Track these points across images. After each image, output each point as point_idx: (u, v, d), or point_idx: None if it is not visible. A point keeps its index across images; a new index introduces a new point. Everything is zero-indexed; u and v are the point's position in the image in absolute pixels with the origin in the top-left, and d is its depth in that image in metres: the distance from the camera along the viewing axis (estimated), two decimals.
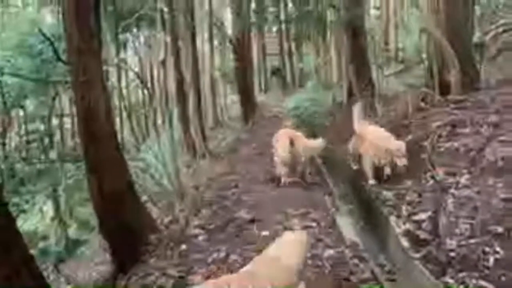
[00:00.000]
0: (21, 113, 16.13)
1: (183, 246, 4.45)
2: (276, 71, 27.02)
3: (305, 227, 4.48)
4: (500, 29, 9.44)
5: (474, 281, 2.97)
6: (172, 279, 3.82)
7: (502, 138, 4.71)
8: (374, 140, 5.73)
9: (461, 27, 7.27)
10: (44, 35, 6.80)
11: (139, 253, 4.60)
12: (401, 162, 5.18)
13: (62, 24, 4.83)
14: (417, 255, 3.55)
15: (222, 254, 4.02)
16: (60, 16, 5.99)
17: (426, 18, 7.88)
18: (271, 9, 25.43)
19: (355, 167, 6.46)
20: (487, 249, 3.19)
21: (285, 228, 4.45)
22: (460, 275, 3.08)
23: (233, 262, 3.83)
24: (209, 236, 4.63)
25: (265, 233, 4.39)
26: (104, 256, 7.14)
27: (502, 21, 9.53)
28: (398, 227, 4.20)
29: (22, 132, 15.94)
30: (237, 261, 3.84)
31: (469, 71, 7.02)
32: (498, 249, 3.16)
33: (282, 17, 25.51)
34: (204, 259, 4.00)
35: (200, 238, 4.61)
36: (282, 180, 6.45)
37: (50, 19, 15.44)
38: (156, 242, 4.78)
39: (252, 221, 4.80)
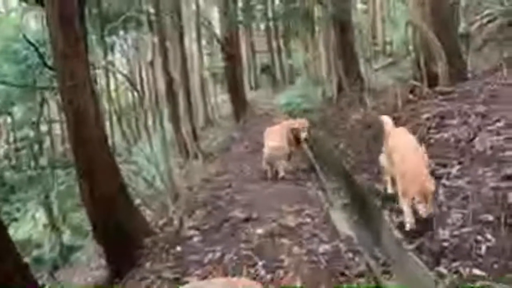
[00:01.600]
0: (9, 120, 15.93)
1: (178, 248, 4.44)
2: (266, 68, 27.03)
3: (300, 224, 4.51)
4: (485, 20, 9.54)
5: (467, 269, 3.01)
6: (168, 281, 3.81)
7: (489, 127, 4.77)
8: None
9: (447, 19, 7.33)
10: (28, 41, 6.72)
11: (134, 257, 4.59)
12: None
13: (46, 29, 4.78)
14: (411, 247, 3.58)
15: (218, 254, 4.02)
16: (44, 20, 5.92)
17: (412, 11, 7.94)
18: (258, 6, 25.39)
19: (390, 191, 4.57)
20: (479, 237, 3.23)
21: (280, 225, 4.48)
22: (454, 264, 3.12)
23: (229, 262, 3.83)
24: (204, 236, 4.62)
25: (260, 231, 4.40)
26: (100, 261, 7.11)
27: (486, 12, 9.62)
28: (391, 219, 4.24)
29: (11, 139, 15.75)
30: (233, 260, 3.84)
31: (455, 62, 7.08)
32: (489, 237, 3.20)
33: (270, 14, 25.50)
34: (200, 260, 3.99)
35: (195, 239, 4.61)
36: (268, 175, 6.63)
37: (34, 24, 15.26)
38: (151, 245, 4.77)
39: (246, 219, 4.80)
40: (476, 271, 2.98)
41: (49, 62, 5.51)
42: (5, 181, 11.07)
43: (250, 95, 20.67)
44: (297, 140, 7.11)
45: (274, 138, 6.67)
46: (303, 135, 7.05)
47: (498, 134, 4.55)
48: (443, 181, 4.25)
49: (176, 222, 5.37)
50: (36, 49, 5.77)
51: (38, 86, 11.44)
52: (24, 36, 7.77)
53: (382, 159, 4.71)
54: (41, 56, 5.67)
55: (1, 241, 3.79)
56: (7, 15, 16.20)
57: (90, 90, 4.65)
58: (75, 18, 4.48)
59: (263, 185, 6.40)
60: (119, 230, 4.66)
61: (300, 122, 7.41)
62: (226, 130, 15.00)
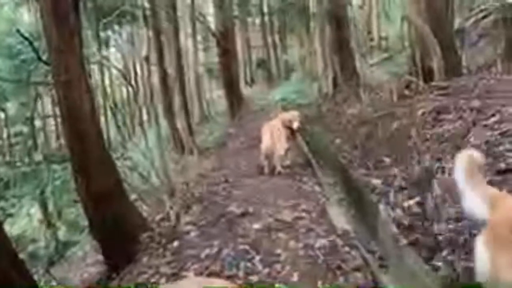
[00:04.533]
0: (2, 115, 15.81)
1: (175, 243, 4.44)
2: (261, 64, 26.97)
3: (296, 218, 4.53)
4: (480, 15, 9.57)
5: (462, 263, 3.04)
6: (165, 276, 3.82)
7: (484, 122, 4.81)
8: None
9: (442, 14, 7.35)
10: (22, 35, 6.64)
11: (131, 253, 4.58)
12: None
13: (40, 23, 4.73)
14: (407, 241, 3.61)
15: (215, 249, 4.03)
16: (38, 14, 5.85)
17: (407, 6, 7.96)
18: (253, 1, 25.27)
19: None
20: (474, 231, 3.26)
21: (277, 220, 4.49)
22: (449, 258, 3.16)
23: (226, 257, 3.84)
24: (201, 232, 4.63)
25: (257, 226, 4.41)
26: (96, 257, 7.10)
27: (481, 7, 9.66)
28: (387, 213, 4.27)
29: (5, 135, 15.63)
30: (230, 255, 3.86)
31: (451, 57, 7.12)
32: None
33: (265, 9, 25.40)
34: (197, 255, 4.00)
35: (192, 234, 4.61)
36: (265, 170, 6.66)
37: (27, 18, 15.10)
38: (147, 240, 4.77)
39: (243, 214, 4.82)
40: (471, 265, 3.01)
41: (44, 57, 5.45)
42: (0, 177, 11.00)
43: (245, 90, 20.64)
44: (291, 131, 7.17)
45: (272, 133, 6.68)
46: (295, 124, 7.07)
47: (493, 129, 4.59)
48: (439, 176, 4.29)
49: (172, 217, 5.36)
50: (31, 44, 5.71)
51: (32, 81, 11.34)
52: (18, 30, 7.68)
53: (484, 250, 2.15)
54: (35, 50, 5.61)
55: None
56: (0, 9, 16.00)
57: (85, 85, 4.61)
58: (69, 13, 4.43)
59: (259, 180, 6.41)
60: (116, 226, 4.65)
61: (292, 114, 7.48)
62: (222, 126, 14.98)
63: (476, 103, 5.34)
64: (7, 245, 3.89)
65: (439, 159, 4.60)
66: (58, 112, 6.70)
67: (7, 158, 14.03)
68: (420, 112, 5.91)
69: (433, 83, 6.85)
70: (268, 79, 24.80)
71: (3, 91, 12.58)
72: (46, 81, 9.48)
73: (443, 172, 4.30)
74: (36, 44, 6.34)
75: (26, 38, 6.23)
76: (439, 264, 3.19)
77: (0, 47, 11.38)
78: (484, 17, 9.49)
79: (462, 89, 6.11)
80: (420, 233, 3.63)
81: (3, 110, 14.83)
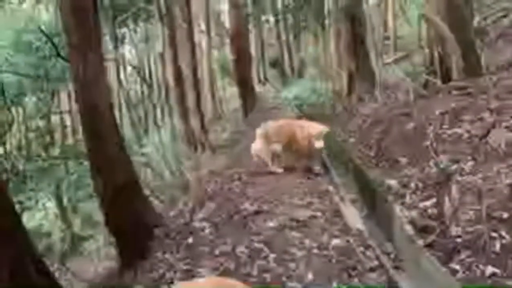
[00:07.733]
0: (20, 110, 16.12)
1: (189, 240, 4.47)
2: (275, 62, 26.86)
3: (311, 217, 4.51)
4: (500, 14, 9.38)
5: (481, 266, 2.99)
6: (179, 272, 3.84)
7: (504, 123, 4.70)
8: None
9: (461, 13, 7.22)
10: (43, 32, 6.76)
11: (146, 248, 4.64)
12: None
13: (59, 20, 4.81)
14: (423, 242, 3.56)
15: (229, 246, 4.04)
16: (57, 11, 5.94)
17: (425, 4, 7.83)
18: None
19: None
20: (493, 234, 3.20)
21: (291, 219, 4.48)
22: (467, 261, 3.10)
23: (240, 254, 3.85)
24: (215, 228, 4.64)
25: (271, 224, 4.41)
26: (110, 251, 7.20)
27: (502, 6, 9.47)
28: (403, 214, 4.22)
29: (22, 129, 15.95)
30: (244, 253, 3.86)
31: (470, 56, 6.98)
32: (504, 234, 3.17)
33: (280, 7, 25.29)
34: (211, 252, 4.02)
35: (206, 231, 4.63)
36: (273, 169, 6.58)
37: (46, 15, 15.35)
38: (162, 236, 4.81)
39: (257, 212, 4.81)
40: (490, 268, 2.96)
41: (62, 53, 5.54)
42: (18, 171, 11.23)
43: (258, 88, 20.61)
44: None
45: (263, 137, 6.64)
46: (318, 144, 6.18)
47: None
48: (456, 177, 4.22)
49: (186, 213, 5.40)
50: (51, 41, 5.81)
51: (50, 77, 11.54)
52: (39, 28, 7.81)
53: None
54: (55, 47, 5.70)
55: (15, 230, 3.84)
56: (19, 5, 16.28)
57: (103, 82, 4.69)
58: (89, 10, 4.49)
59: (272, 179, 6.39)
60: (131, 222, 4.72)
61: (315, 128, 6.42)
62: (235, 123, 15.01)
63: (495, 104, 5.23)
64: (25, 238, 3.97)
65: (457, 161, 4.52)
66: (74, 108, 6.82)
67: (25, 152, 14.31)
68: (437, 112, 5.81)
69: (451, 83, 6.74)
70: (282, 77, 24.71)
71: (22, 87, 12.81)
72: (64, 77, 9.63)
73: (461, 174, 4.23)
74: (54, 40, 6.43)
75: (46, 35, 6.33)
76: (457, 267, 3.14)
77: (19, 43, 11.60)
78: (504, 16, 9.30)
79: (481, 89, 5.98)
80: (437, 235, 3.58)
81: (21, 105, 15.12)
